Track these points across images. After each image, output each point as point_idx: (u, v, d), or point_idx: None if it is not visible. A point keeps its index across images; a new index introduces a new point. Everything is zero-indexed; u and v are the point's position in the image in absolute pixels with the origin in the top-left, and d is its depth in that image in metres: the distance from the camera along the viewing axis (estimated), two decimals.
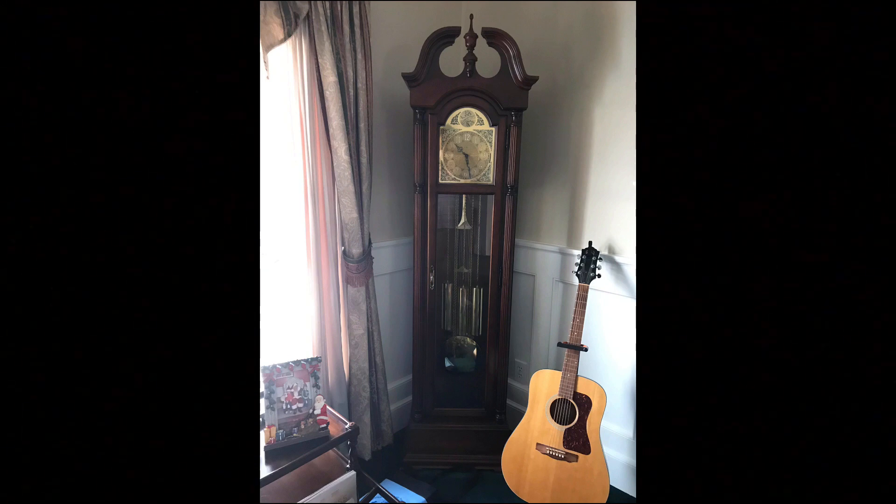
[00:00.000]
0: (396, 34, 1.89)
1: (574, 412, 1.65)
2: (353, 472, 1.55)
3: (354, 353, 1.87)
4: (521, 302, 2.19)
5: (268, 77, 1.41)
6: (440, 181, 1.75)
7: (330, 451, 1.62)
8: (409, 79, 1.62)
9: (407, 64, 1.71)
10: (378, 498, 1.68)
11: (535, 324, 2.17)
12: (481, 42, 1.64)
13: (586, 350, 1.69)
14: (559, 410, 1.69)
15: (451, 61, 1.82)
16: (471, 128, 1.72)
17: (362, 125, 1.66)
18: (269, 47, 1.39)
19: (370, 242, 1.83)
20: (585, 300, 1.68)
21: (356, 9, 1.57)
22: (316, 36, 1.50)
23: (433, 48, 1.61)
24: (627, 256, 1.79)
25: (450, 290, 2.05)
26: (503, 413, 1.98)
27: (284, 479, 1.50)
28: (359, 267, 1.78)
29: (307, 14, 1.47)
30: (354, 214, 1.71)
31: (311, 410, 1.48)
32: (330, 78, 1.53)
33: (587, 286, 1.70)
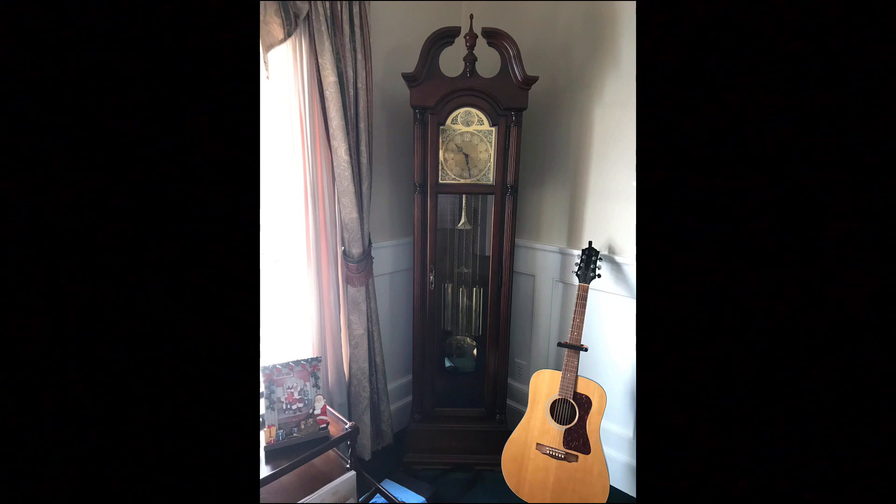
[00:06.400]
0: (396, 34, 1.89)
1: (574, 412, 1.65)
2: (353, 472, 1.55)
3: (354, 353, 1.87)
4: (521, 302, 2.19)
5: (268, 77, 1.41)
6: (440, 181, 1.75)
7: (330, 451, 1.62)
8: (409, 79, 1.62)
9: (407, 64, 1.71)
10: (378, 498, 1.68)
11: (535, 324, 2.17)
12: (481, 42, 1.64)
13: (586, 350, 1.69)
14: (559, 410, 1.69)
15: (451, 61, 1.82)
16: (471, 128, 1.72)
17: (362, 125, 1.66)
18: (269, 47, 1.39)
19: (370, 242, 1.83)
20: (585, 300, 1.68)
21: (356, 9, 1.57)
22: (316, 36, 1.50)
23: (433, 48, 1.61)
24: (627, 256, 1.79)
25: (450, 290, 2.05)
26: (503, 413, 1.98)
27: (284, 479, 1.50)
28: (359, 267, 1.78)
29: (307, 14, 1.47)
30: (354, 214, 1.71)
31: (311, 410, 1.48)
32: (330, 78, 1.53)
33: (587, 286, 1.70)
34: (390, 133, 1.98)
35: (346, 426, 1.54)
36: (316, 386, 1.49)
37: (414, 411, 1.99)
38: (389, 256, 2.08)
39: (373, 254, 1.86)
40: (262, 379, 1.41)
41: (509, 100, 1.64)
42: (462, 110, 1.69)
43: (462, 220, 1.95)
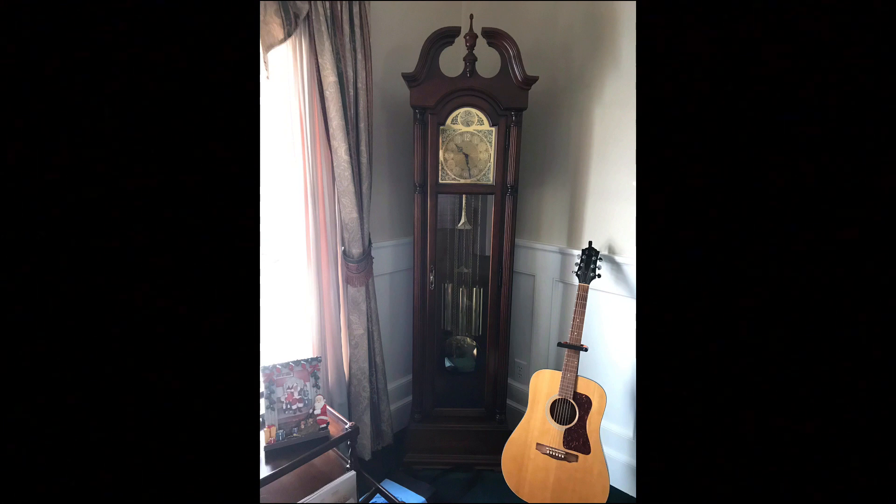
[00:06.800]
0: (396, 34, 1.89)
1: (574, 412, 1.65)
2: (353, 472, 1.55)
3: (354, 353, 1.87)
4: (521, 302, 2.19)
5: (268, 77, 1.41)
6: (440, 181, 1.75)
7: (330, 451, 1.62)
8: (409, 79, 1.62)
9: (407, 64, 1.71)
10: (378, 498, 1.68)
11: (535, 324, 2.17)
12: (481, 42, 1.64)
13: (586, 350, 1.69)
14: (559, 410, 1.69)
15: (451, 61, 1.82)
16: (471, 128, 1.72)
17: (362, 125, 1.66)
18: (269, 47, 1.39)
19: (370, 242, 1.83)
20: (585, 300, 1.68)
21: (356, 9, 1.57)
22: (316, 36, 1.50)
23: (433, 48, 1.61)
24: (627, 256, 1.79)
25: (450, 290, 2.05)
26: (503, 413, 1.98)
27: (284, 479, 1.50)
28: (359, 267, 1.78)
29: (307, 14, 1.47)
30: (354, 214, 1.71)
31: (311, 410, 1.48)
32: (330, 78, 1.53)
33: (587, 286, 1.70)
34: (390, 133, 1.98)
35: (346, 426, 1.54)
36: (316, 386, 1.49)
37: (414, 411, 1.99)
38: (389, 256, 2.08)
39: (373, 254, 1.86)
40: (262, 379, 1.41)
41: (509, 100, 1.64)
42: (462, 110, 1.69)
43: (462, 220, 1.95)
